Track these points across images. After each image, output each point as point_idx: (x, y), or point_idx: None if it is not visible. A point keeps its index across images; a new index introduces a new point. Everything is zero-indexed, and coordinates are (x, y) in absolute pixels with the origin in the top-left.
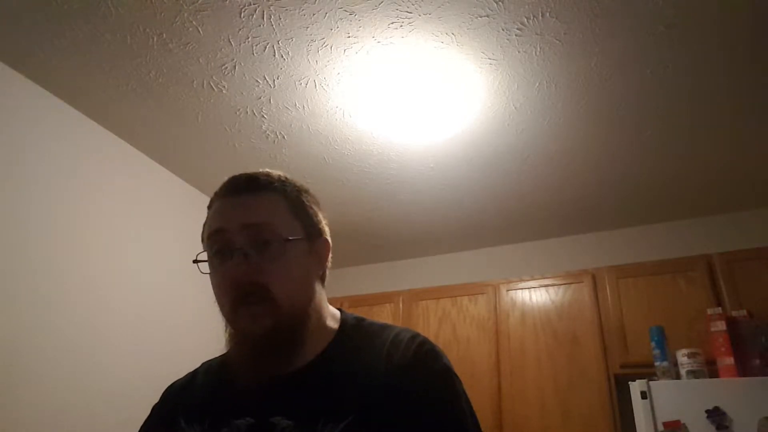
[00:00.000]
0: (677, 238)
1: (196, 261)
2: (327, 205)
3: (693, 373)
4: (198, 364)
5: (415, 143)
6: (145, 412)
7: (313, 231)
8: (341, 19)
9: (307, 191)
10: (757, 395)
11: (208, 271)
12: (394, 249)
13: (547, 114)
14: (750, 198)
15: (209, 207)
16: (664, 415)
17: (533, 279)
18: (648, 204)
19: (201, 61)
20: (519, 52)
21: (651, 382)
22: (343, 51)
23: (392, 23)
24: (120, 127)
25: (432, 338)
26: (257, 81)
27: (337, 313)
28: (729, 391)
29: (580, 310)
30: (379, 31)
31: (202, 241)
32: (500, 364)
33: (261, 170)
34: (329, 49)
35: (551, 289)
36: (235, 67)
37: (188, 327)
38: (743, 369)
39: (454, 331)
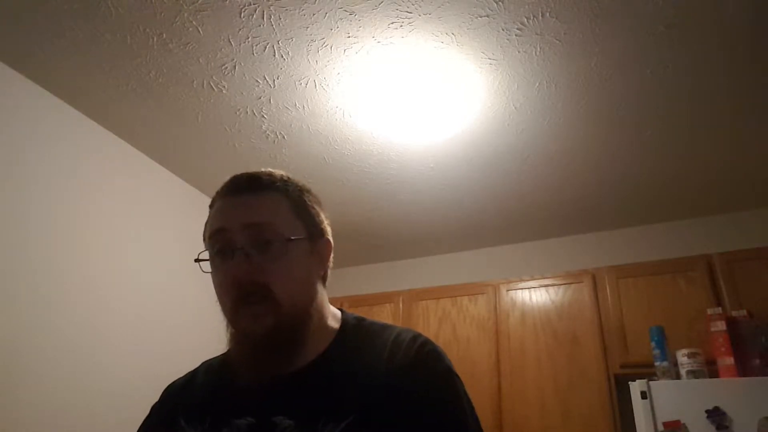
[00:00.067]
0: (677, 238)
1: (197, 260)
2: (327, 205)
3: (693, 373)
4: (198, 364)
5: (415, 143)
6: (145, 412)
7: (315, 231)
8: (341, 19)
9: (309, 191)
10: (757, 395)
11: (210, 270)
12: (394, 249)
13: (547, 114)
14: (750, 198)
15: (211, 206)
16: (664, 415)
17: (533, 279)
18: (648, 204)
19: (201, 61)
20: (519, 52)
21: (651, 382)
22: (343, 51)
23: (392, 23)
24: (120, 127)
25: (432, 338)
26: (257, 81)
27: (338, 313)
28: (729, 391)
29: (580, 310)
30: (379, 31)
31: (204, 240)
32: (500, 364)
33: (263, 170)
34: (329, 49)
35: (551, 289)
36: (235, 67)
37: (188, 327)
38: (743, 369)
39: (454, 331)
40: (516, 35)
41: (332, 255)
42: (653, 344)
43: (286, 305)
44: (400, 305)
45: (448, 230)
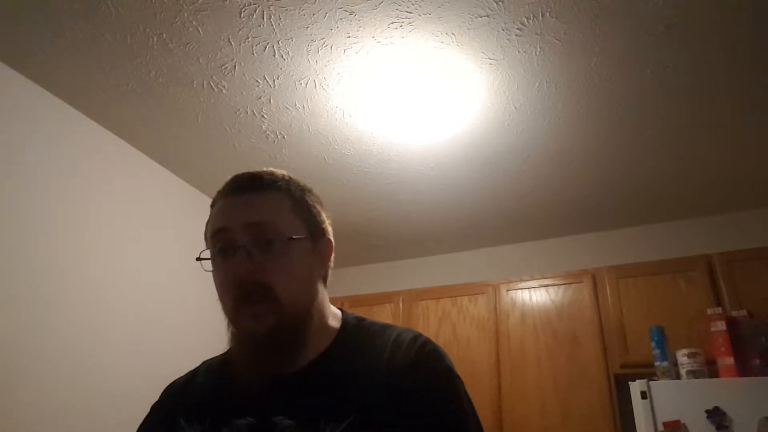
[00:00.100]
0: (677, 238)
1: (199, 258)
2: (327, 205)
3: (693, 373)
4: (198, 364)
5: (415, 143)
6: (145, 412)
7: (316, 230)
8: (341, 19)
9: (310, 191)
10: (757, 395)
11: (211, 269)
12: (394, 249)
13: (547, 114)
14: (750, 198)
15: (212, 205)
16: (664, 415)
17: (533, 279)
18: (648, 204)
19: (201, 61)
20: (519, 52)
21: (651, 382)
22: (343, 51)
23: (392, 23)
24: (120, 127)
25: (432, 338)
26: (257, 81)
27: (339, 312)
28: (729, 391)
29: (580, 310)
30: (379, 31)
31: (205, 239)
32: (500, 364)
33: (265, 169)
34: (329, 49)
35: (551, 289)
36: (235, 67)
37: (188, 327)
38: (743, 369)
39: (454, 331)
40: (516, 35)
41: (333, 255)
42: (653, 344)
43: (287, 305)
44: (400, 305)
45: (448, 230)
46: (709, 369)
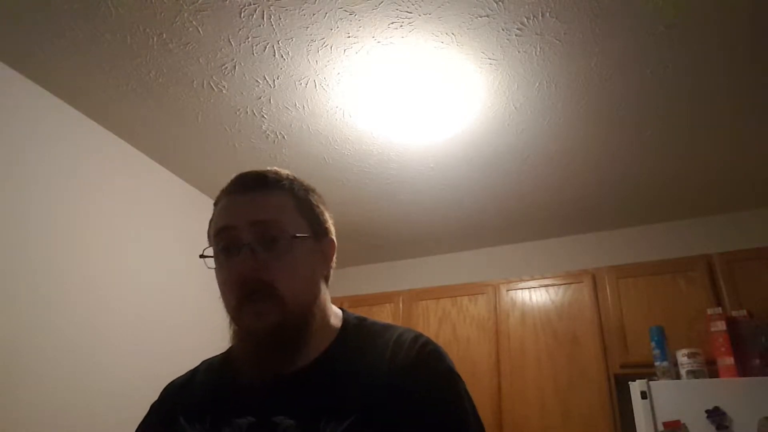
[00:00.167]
0: (677, 238)
1: (202, 256)
2: (327, 205)
3: (693, 373)
4: (198, 364)
5: (415, 143)
6: (144, 412)
7: (319, 230)
8: (341, 19)
9: (314, 191)
10: (757, 395)
11: (214, 267)
12: (394, 249)
13: (547, 114)
14: (750, 198)
15: (216, 204)
16: (664, 415)
17: (533, 279)
18: (648, 204)
19: (201, 61)
20: (519, 52)
21: (651, 382)
22: (343, 51)
23: (392, 23)
24: (120, 127)
25: (432, 338)
26: (257, 81)
27: (340, 312)
28: (729, 391)
29: (580, 310)
30: (379, 31)
31: (208, 237)
32: (500, 364)
33: (269, 168)
34: (329, 49)
35: (551, 289)
36: (235, 67)
37: (188, 327)
38: (743, 369)
39: (454, 331)
40: (516, 35)
41: (335, 255)
42: (653, 344)
43: (290, 303)
44: (400, 305)
45: (448, 230)
46: (709, 369)
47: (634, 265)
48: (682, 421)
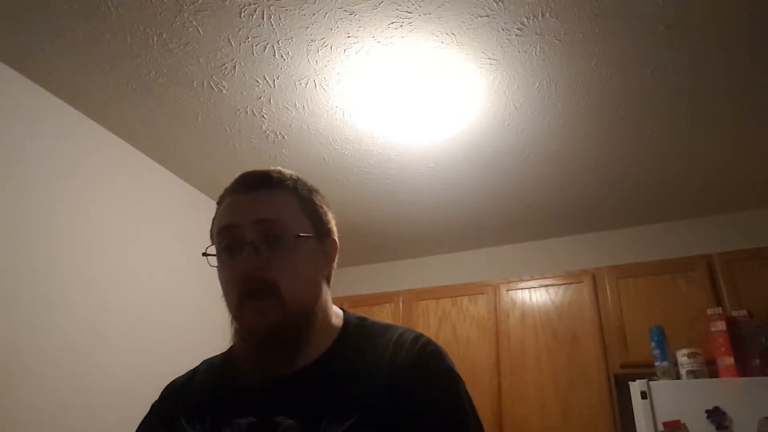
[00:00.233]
0: (677, 238)
1: (205, 254)
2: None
3: (693, 373)
4: (198, 364)
5: (415, 143)
6: (145, 412)
7: (322, 230)
8: (341, 19)
9: (317, 191)
10: (757, 395)
11: (216, 265)
12: (394, 249)
13: (547, 114)
14: (750, 198)
15: (219, 203)
16: (664, 415)
17: (533, 279)
18: (648, 204)
19: (201, 61)
20: (519, 52)
21: (651, 382)
22: (343, 51)
23: (392, 23)
24: (120, 127)
25: (432, 338)
26: (257, 81)
27: (341, 312)
28: (729, 391)
29: (580, 310)
30: (379, 31)
31: (211, 236)
32: (500, 364)
33: (273, 168)
34: (329, 49)
35: (551, 289)
36: (235, 67)
37: (188, 327)
38: (743, 369)
39: (454, 331)
40: (516, 35)
41: (337, 255)
42: (653, 344)
43: (291, 303)
44: (400, 305)
45: (448, 230)
46: (709, 369)
47: (634, 265)
48: (682, 421)
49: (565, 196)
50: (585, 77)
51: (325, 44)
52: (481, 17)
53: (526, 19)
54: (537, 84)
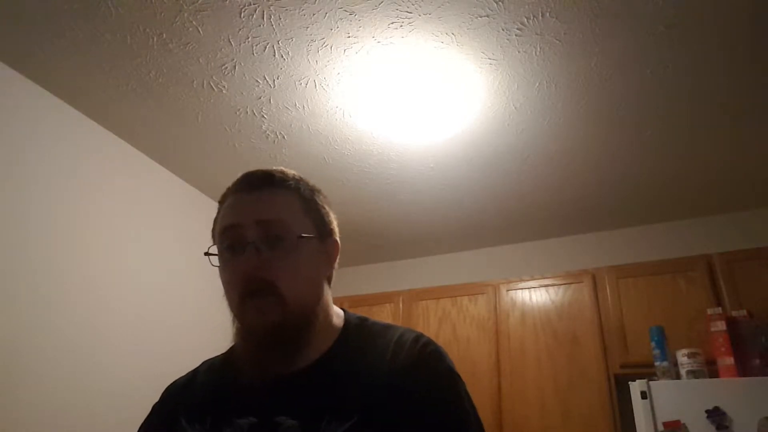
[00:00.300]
0: (677, 238)
1: (207, 254)
2: None
3: (693, 373)
4: (198, 364)
5: (415, 143)
6: (145, 412)
7: (324, 230)
8: (341, 19)
9: (320, 191)
10: (757, 395)
11: (218, 265)
12: (394, 249)
13: (547, 114)
14: (750, 198)
15: (221, 202)
16: (664, 415)
17: (533, 279)
18: (648, 204)
19: (201, 61)
20: (519, 52)
21: (651, 382)
22: (343, 51)
23: (392, 23)
24: (120, 127)
25: (432, 338)
26: (257, 81)
27: (341, 312)
28: (729, 391)
29: (580, 310)
30: (379, 31)
31: (213, 235)
32: (500, 364)
33: (275, 168)
34: (329, 49)
35: (551, 289)
36: (235, 67)
37: (188, 327)
38: (743, 369)
39: (454, 331)
40: (516, 35)
41: (339, 256)
42: (653, 344)
43: (291, 303)
44: (400, 305)
45: (448, 230)
46: (709, 369)
47: (634, 265)
48: (682, 421)
49: (565, 196)
50: (585, 77)
51: (325, 44)
52: (481, 17)
53: (526, 19)
54: (537, 84)
